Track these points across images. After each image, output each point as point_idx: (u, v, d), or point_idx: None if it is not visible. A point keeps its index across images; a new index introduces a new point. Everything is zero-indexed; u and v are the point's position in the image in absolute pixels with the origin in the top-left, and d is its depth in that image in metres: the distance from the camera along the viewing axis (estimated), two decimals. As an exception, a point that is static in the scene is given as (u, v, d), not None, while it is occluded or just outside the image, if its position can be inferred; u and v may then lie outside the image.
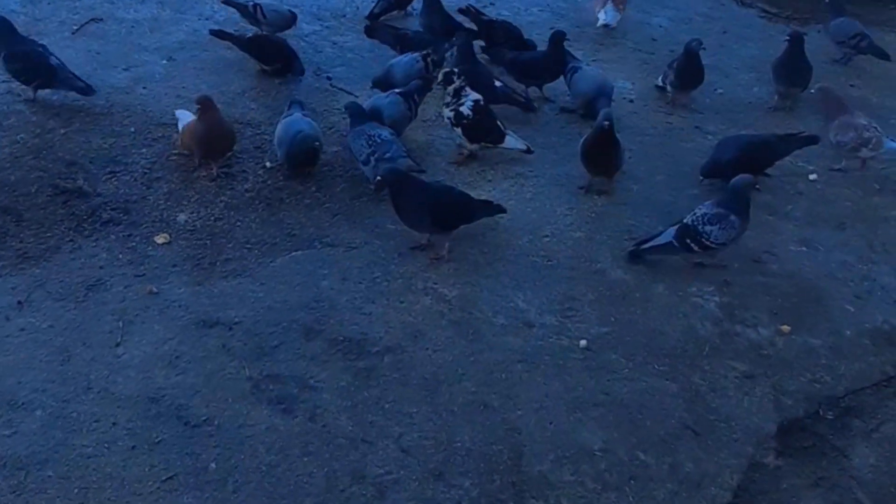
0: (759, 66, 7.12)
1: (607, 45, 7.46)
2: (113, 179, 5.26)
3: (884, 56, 7.30)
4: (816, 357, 4.51)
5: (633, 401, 4.15)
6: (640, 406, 4.13)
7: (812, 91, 6.25)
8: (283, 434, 3.84)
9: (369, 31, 6.81)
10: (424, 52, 6.24)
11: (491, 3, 7.82)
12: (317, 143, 5.31)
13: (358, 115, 5.51)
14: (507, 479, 3.75)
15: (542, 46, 6.68)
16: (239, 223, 5.04)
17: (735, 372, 4.37)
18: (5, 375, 3.99)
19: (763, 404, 4.23)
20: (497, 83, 6.21)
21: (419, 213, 4.79)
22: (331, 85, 6.45)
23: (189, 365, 4.12)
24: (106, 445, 3.72)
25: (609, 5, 7.54)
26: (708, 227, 4.80)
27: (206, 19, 7.07)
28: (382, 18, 7.31)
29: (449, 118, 5.59)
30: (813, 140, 5.75)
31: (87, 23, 6.86)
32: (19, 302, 4.38)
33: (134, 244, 4.81)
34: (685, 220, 4.88)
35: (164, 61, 6.50)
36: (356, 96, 5.86)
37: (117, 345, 4.19)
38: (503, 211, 5.04)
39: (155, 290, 4.52)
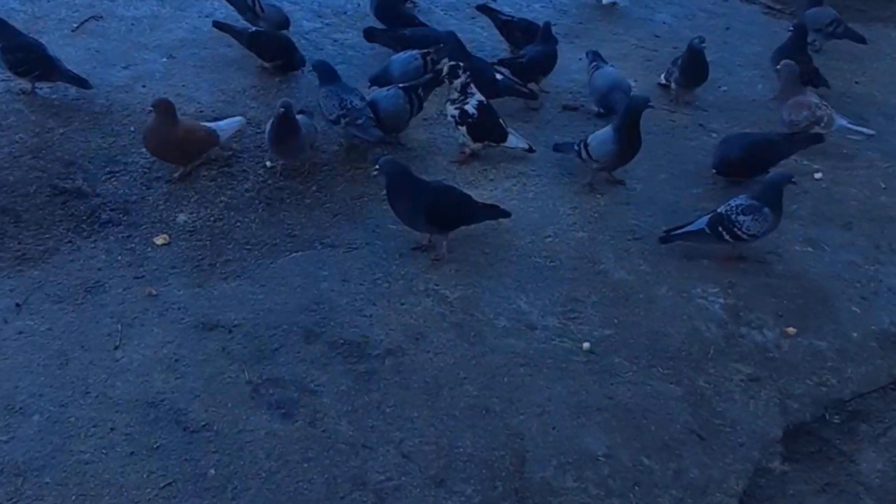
0: (762, 62, 7.06)
1: (610, 42, 7.41)
2: (112, 179, 5.22)
3: (860, 40, 7.41)
4: (823, 360, 4.47)
5: (637, 405, 4.10)
6: (645, 410, 4.08)
7: (778, 67, 6.22)
8: (282, 439, 3.79)
9: (369, 36, 6.76)
10: (424, 50, 6.19)
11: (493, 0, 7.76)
12: None
13: (328, 73, 5.62)
14: (509, 485, 3.71)
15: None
16: (239, 224, 5.00)
17: (740, 375, 4.32)
18: (3, 379, 3.95)
19: (769, 408, 4.19)
20: (498, 76, 6.17)
21: (413, 211, 4.74)
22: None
23: (188, 369, 4.08)
24: (104, 451, 3.68)
25: None
26: (741, 218, 4.78)
27: (207, 16, 7.01)
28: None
29: (453, 116, 5.54)
30: (818, 139, 5.71)
31: (86, 20, 6.81)
32: (17, 304, 4.34)
33: (133, 245, 4.77)
34: (719, 210, 4.88)
35: (165, 59, 6.45)
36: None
37: (116, 348, 4.16)
38: (507, 215, 4.99)
39: (154, 292, 4.48)
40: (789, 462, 4.01)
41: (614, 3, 7.49)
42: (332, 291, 4.56)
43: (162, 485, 3.58)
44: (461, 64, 5.62)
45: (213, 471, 3.65)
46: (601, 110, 6.17)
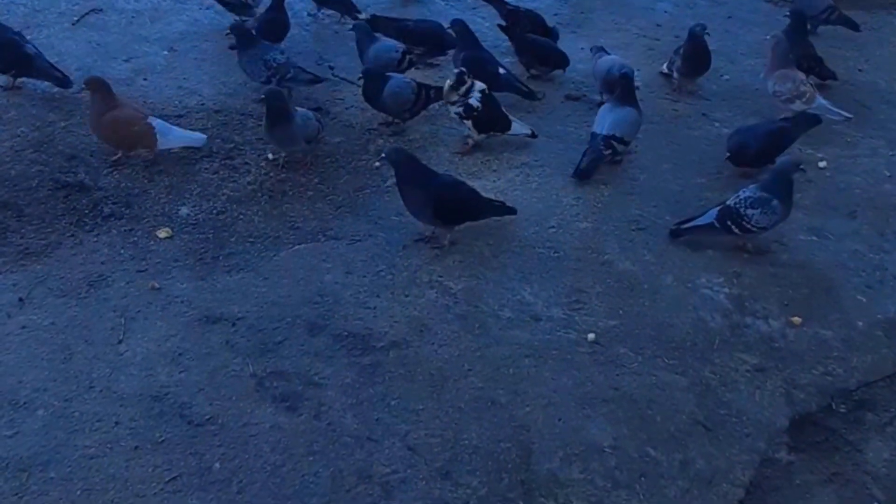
0: (765, 51, 7.02)
1: (611, 32, 7.38)
2: (114, 173, 5.20)
3: (854, 27, 7.42)
4: (828, 349, 4.45)
5: (643, 396, 4.09)
6: (650, 401, 4.07)
7: (767, 38, 6.20)
8: (287, 433, 3.78)
9: (372, 25, 6.72)
10: (407, 47, 6.20)
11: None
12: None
13: (247, 37, 5.77)
14: (515, 477, 3.70)
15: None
16: (241, 216, 4.98)
17: (746, 365, 4.31)
18: (6, 374, 3.94)
19: (775, 398, 4.17)
20: (501, 70, 6.14)
21: (421, 203, 4.72)
22: (333, 74, 6.37)
23: (192, 362, 4.07)
24: (109, 446, 3.67)
25: None
26: (750, 211, 4.76)
27: (207, 9, 6.98)
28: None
29: (458, 113, 5.52)
30: (816, 120, 5.70)
31: (87, 13, 6.78)
32: (20, 299, 4.33)
33: (136, 239, 4.76)
34: (728, 202, 4.86)
35: (166, 52, 6.43)
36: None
37: (119, 342, 4.14)
38: (513, 212, 4.97)
39: (157, 285, 4.47)
40: (795, 452, 4.00)
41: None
42: (335, 284, 4.55)
43: (167, 479, 3.57)
44: (466, 71, 5.56)
45: (218, 464, 3.64)
46: (604, 94, 6.12)
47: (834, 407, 4.23)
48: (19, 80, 5.74)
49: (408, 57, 6.18)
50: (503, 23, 6.89)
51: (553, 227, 5.04)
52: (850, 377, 4.35)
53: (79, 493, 3.49)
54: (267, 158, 5.41)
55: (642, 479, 3.76)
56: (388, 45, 6.19)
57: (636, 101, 5.56)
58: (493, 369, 4.15)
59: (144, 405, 3.85)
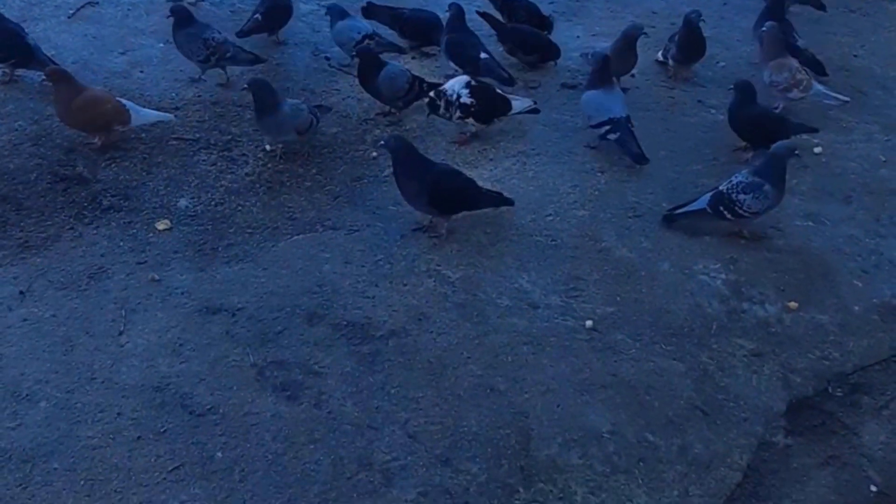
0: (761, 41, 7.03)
1: (607, 20, 7.39)
2: (112, 165, 5.21)
3: (821, 7, 7.46)
4: (825, 333, 4.48)
5: (641, 382, 4.12)
6: (648, 387, 4.10)
7: (763, 29, 6.22)
8: (288, 421, 3.81)
9: (367, 13, 6.74)
10: (371, 32, 6.26)
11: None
12: None
13: (185, 17, 5.82)
14: (515, 463, 3.73)
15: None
16: (240, 208, 5.00)
17: (743, 350, 4.34)
18: (8, 367, 3.96)
19: (772, 382, 4.21)
20: (482, 55, 6.14)
21: (418, 193, 4.74)
22: (329, 65, 6.38)
23: (193, 353, 4.09)
24: (111, 436, 3.70)
25: None
26: (742, 196, 4.79)
27: (202, 0, 6.99)
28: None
29: (459, 117, 5.51)
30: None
31: (82, 6, 6.78)
32: (21, 292, 4.35)
33: (135, 231, 4.78)
34: (720, 187, 4.88)
35: (161, 44, 6.42)
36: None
37: (120, 333, 4.16)
38: (511, 203, 4.99)
39: (157, 277, 4.49)
40: (793, 436, 4.04)
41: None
42: (334, 273, 4.57)
43: (170, 468, 3.59)
44: (434, 95, 5.51)
45: (220, 453, 3.67)
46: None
47: (830, 391, 4.26)
48: (16, 72, 5.74)
49: (366, 40, 6.18)
50: (494, 11, 6.87)
51: (550, 215, 5.06)
52: (847, 361, 4.38)
53: (82, 483, 3.52)
54: (264, 150, 5.43)
55: (641, 463, 3.79)
56: (351, 24, 6.24)
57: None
58: (492, 357, 4.18)
59: (146, 396, 3.87)
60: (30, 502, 3.45)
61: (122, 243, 4.69)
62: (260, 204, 5.03)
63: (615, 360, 4.22)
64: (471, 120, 5.53)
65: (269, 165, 5.33)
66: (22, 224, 4.75)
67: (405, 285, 4.53)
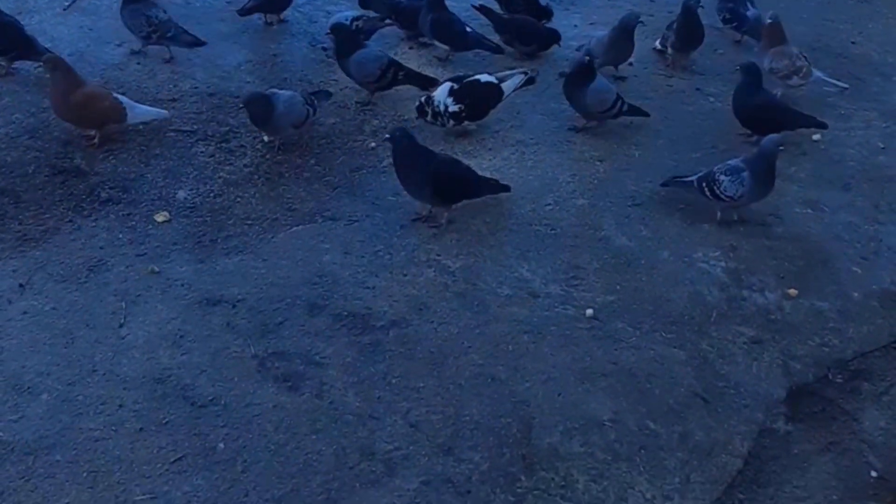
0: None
1: (605, 8, 7.36)
2: (110, 157, 5.20)
3: None
4: (824, 320, 4.49)
5: (642, 370, 4.13)
6: (649, 375, 4.11)
7: (768, 19, 6.25)
8: (290, 412, 3.82)
9: (363, 3, 6.72)
10: (358, 16, 6.32)
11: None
12: None
13: None
14: (516, 451, 3.74)
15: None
16: (239, 199, 4.99)
17: (743, 338, 4.35)
18: (9, 359, 3.96)
19: (772, 370, 4.22)
20: (468, 29, 6.23)
21: (420, 182, 4.74)
22: (327, 56, 6.36)
23: (193, 344, 4.09)
24: (113, 428, 3.70)
25: None
26: (722, 178, 4.83)
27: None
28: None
29: (454, 124, 5.50)
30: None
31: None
32: (21, 284, 4.34)
33: (134, 223, 4.77)
34: (714, 168, 4.92)
35: (157, 35, 6.41)
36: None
37: (121, 326, 4.16)
38: (507, 189, 5.00)
39: (157, 269, 4.49)
40: (793, 422, 4.05)
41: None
42: (334, 264, 4.57)
43: (172, 459, 3.60)
44: (423, 101, 5.49)
45: (222, 444, 3.67)
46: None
47: (830, 377, 4.27)
48: (13, 65, 5.73)
49: (356, 22, 6.24)
50: (493, 3, 6.87)
51: (550, 204, 5.06)
52: (847, 348, 4.39)
53: (85, 475, 3.52)
54: (262, 141, 5.42)
55: (642, 451, 3.80)
56: (344, 14, 6.37)
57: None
58: (493, 346, 4.18)
59: (147, 388, 3.87)
60: (33, 494, 3.45)
61: (121, 235, 4.68)
62: (259, 195, 5.03)
63: (616, 348, 4.22)
64: (467, 123, 5.53)
65: (268, 156, 5.32)
66: (20, 217, 4.74)
67: (405, 275, 4.53)
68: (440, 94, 5.46)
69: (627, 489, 3.67)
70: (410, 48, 6.50)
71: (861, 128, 5.94)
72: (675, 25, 6.44)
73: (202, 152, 5.30)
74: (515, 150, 5.50)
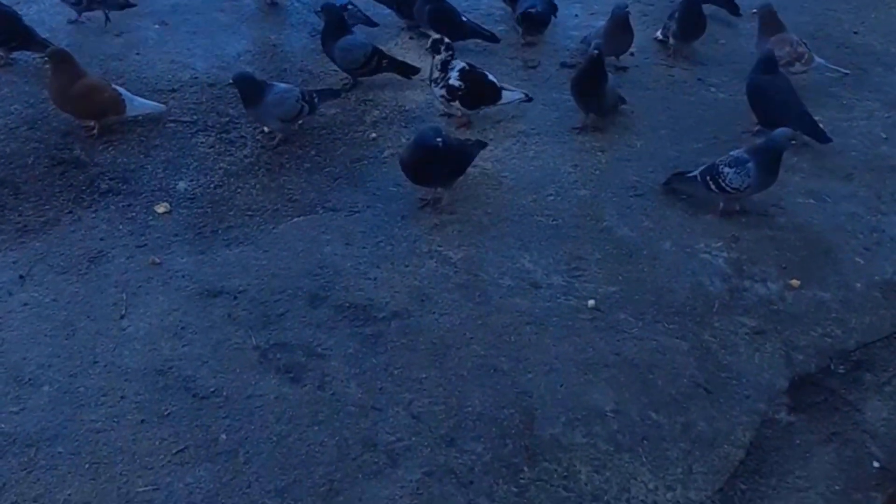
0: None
1: (606, -2, 7.33)
2: (110, 148, 5.19)
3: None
4: (827, 311, 4.48)
5: (644, 360, 4.12)
6: (651, 365, 4.10)
7: (755, 11, 6.22)
8: (292, 403, 3.81)
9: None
10: (347, 3, 6.30)
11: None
12: None
13: None
14: (519, 442, 3.73)
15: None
16: (239, 190, 4.98)
17: (745, 328, 4.33)
18: (10, 351, 3.95)
19: (774, 360, 4.20)
20: (464, 18, 6.28)
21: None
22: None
23: (195, 336, 4.08)
24: (115, 419, 3.69)
25: None
26: (726, 169, 4.81)
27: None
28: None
29: (442, 95, 5.47)
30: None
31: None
32: (21, 276, 4.33)
33: (134, 214, 4.76)
34: (716, 160, 4.89)
35: (157, 26, 6.40)
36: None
37: (122, 317, 4.15)
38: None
39: (157, 260, 4.47)
40: (795, 413, 4.03)
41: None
42: (335, 255, 4.56)
43: (174, 451, 3.59)
44: (443, 39, 5.49)
45: (224, 436, 3.67)
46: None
47: (833, 368, 4.25)
48: (11, 56, 5.71)
49: (348, 6, 6.26)
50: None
51: (551, 194, 5.05)
52: (849, 338, 4.37)
53: (87, 466, 3.52)
54: (263, 132, 5.40)
55: (644, 442, 3.79)
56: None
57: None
58: (495, 337, 4.17)
59: (149, 379, 3.87)
60: (35, 486, 3.44)
61: (121, 227, 4.67)
62: (259, 186, 5.01)
63: (618, 339, 4.22)
64: (456, 103, 5.48)
65: (268, 147, 5.30)
66: (20, 208, 4.73)
67: (407, 266, 4.52)
68: (454, 64, 5.46)
69: (630, 480, 3.66)
70: (411, 38, 6.48)
71: (863, 118, 5.92)
72: (676, 15, 6.41)
73: (202, 143, 5.28)
74: (517, 141, 5.48)
